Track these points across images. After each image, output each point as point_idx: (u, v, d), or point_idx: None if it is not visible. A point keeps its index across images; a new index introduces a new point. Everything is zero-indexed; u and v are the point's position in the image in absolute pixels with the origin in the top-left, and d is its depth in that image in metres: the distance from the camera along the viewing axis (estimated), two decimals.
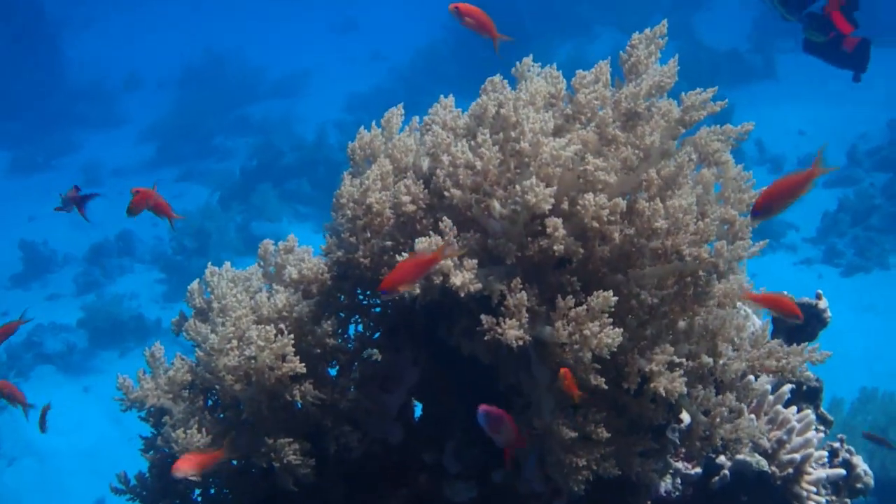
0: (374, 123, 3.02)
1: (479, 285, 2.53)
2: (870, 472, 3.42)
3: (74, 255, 16.06)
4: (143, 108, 22.40)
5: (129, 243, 16.09)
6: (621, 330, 2.48)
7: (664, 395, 2.55)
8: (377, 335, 2.95)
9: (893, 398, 8.06)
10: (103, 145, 21.12)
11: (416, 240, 2.55)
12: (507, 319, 2.51)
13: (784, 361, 2.80)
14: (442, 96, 3.00)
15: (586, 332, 2.46)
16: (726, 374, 2.74)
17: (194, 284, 3.10)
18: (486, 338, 2.53)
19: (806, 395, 3.38)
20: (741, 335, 2.75)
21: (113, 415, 11.45)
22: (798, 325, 3.27)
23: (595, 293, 2.49)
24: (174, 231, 4.16)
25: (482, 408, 2.47)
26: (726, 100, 2.78)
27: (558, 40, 19.28)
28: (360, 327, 2.97)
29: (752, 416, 2.95)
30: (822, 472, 3.11)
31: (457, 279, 2.49)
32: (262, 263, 3.10)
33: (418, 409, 3.11)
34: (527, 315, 2.52)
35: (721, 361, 2.73)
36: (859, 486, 3.37)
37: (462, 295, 2.50)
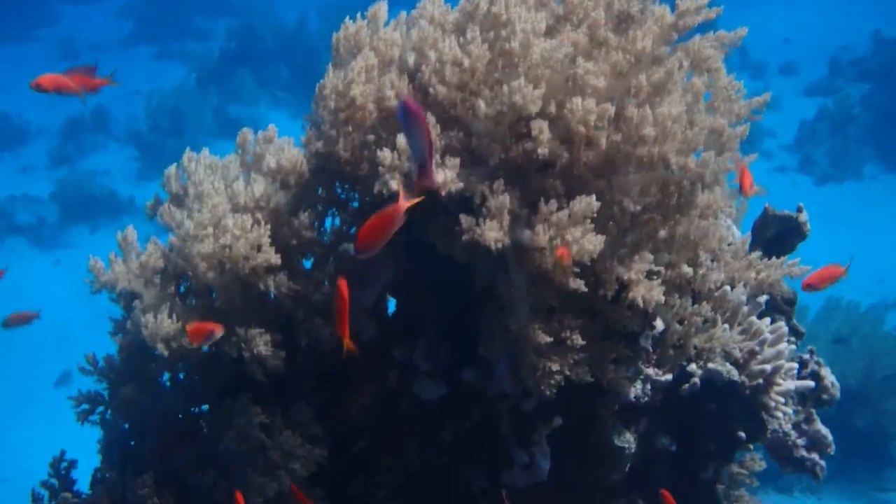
0: (359, 15, 2.94)
1: (461, 185, 2.48)
2: (836, 383, 3.46)
3: (48, 127, 15.87)
4: None
5: (104, 119, 15.92)
6: (603, 237, 2.45)
7: (642, 303, 2.54)
8: (353, 229, 2.91)
9: (858, 307, 8.16)
10: (81, 18, 20.73)
11: (398, 136, 2.50)
12: (487, 221, 2.47)
13: (764, 274, 2.79)
14: None
15: (568, 237, 2.43)
16: (704, 285, 2.73)
17: (171, 169, 3.04)
18: (464, 238, 2.49)
19: (779, 306, 3.39)
20: (722, 246, 2.73)
21: (83, 289, 11.43)
22: (778, 234, 3.27)
23: (578, 198, 2.45)
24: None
25: (401, 100, 2.30)
26: (721, 6, 2.71)
27: None
28: (338, 221, 2.93)
29: (726, 325, 2.95)
30: (791, 384, 3.13)
31: (438, 177, 2.45)
32: (240, 152, 3.04)
33: (392, 306, 3.09)
34: (508, 217, 2.49)
35: (700, 272, 2.72)
36: (825, 397, 3.41)
37: (443, 194, 2.47)
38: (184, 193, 2.95)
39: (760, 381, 3.06)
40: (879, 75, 14.77)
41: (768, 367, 3.05)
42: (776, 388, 3.08)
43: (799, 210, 3.34)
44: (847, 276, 3.17)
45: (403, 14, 3.01)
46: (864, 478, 7.51)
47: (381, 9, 2.95)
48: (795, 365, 3.18)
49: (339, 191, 2.91)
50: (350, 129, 2.72)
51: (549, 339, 2.58)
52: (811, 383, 3.25)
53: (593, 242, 2.43)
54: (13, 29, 20.25)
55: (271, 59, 16.59)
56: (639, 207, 2.56)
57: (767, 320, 3.16)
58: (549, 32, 2.63)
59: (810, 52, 17.03)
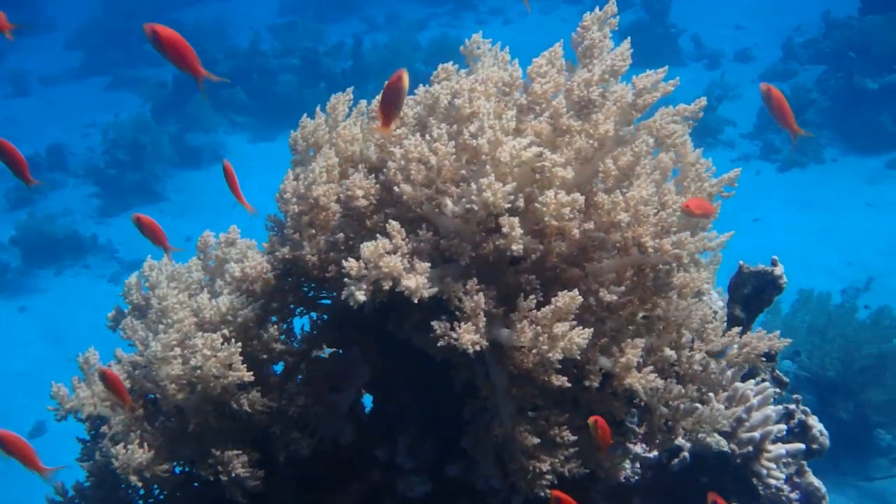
0: (318, 108, 2.86)
1: (435, 289, 2.41)
2: (825, 431, 3.39)
3: (3, 169, 15.63)
4: (68, 12, 21.72)
5: (61, 156, 15.73)
6: (590, 330, 2.39)
7: (641, 392, 2.50)
8: (324, 331, 2.83)
9: (829, 298, 8.14)
10: (29, 51, 20.47)
11: (362, 245, 2.41)
12: (462, 324, 2.40)
13: (747, 349, 2.74)
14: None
15: (556, 331, 2.36)
16: (689, 366, 2.67)
17: (132, 279, 2.94)
18: (439, 344, 2.42)
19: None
20: (704, 325, 2.67)
21: (51, 335, 11.28)
22: (755, 290, 3.22)
23: (560, 294, 2.38)
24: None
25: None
26: (678, 78, 2.65)
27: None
28: (306, 325, 2.85)
29: (711, 394, 2.89)
30: (782, 449, 3.08)
31: (410, 282, 2.36)
32: (202, 256, 2.95)
33: (368, 401, 3.01)
34: (484, 318, 2.41)
35: (684, 353, 2.65)
36: (815, 447, 3.34)
37: (415, 301, 2.38)
38: (146, 305, 2.85)
39: (750, 448, 3.01)
40: (832, 57, 14.79)
41: (757, 434, 3.00)
42: (766, 455, 3.03)
43: (774, 263, 3.29)
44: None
45: (364, 103, 2.93)
46: (851, 469, 7.50)
47: (342, 102, 2.88)
48: (784, 427, 3.13)
49: (307, 290, 2.83)
50: (314, 231, 2.64)
51: (536, 441, 2.52)
52: (801, 446, 3.19)
53: (582, 336, 2.37)
54: None
55: (226, 82, 16.43)
56: (615, 297, 2.50)
57: (752, 383, 3.10)
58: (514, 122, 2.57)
59: (763, 36, 17.07)
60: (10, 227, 13.23)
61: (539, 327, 2.40)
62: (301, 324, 2.87)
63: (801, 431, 3.30)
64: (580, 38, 2.73)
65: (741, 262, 3.27)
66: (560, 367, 2.43)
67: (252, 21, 19.54)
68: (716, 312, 2.89)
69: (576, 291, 2.39)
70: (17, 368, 10.45)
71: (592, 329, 2.42)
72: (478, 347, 2.39)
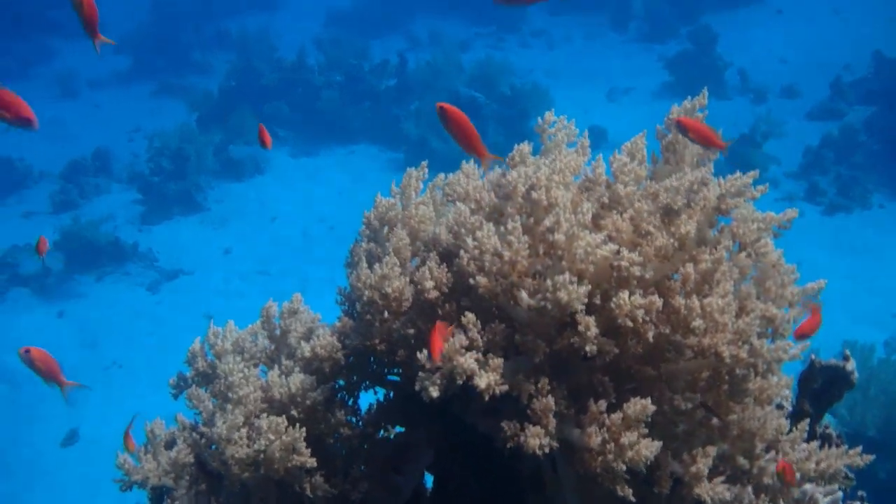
0: (393, 184, 2.87)
1: (506, 387, 2.39)
2: None
3: (50, 171, 15.83)
4: (118, 16, 21.89)
5: (106, 161, 15.87)
6: (660, 443, 2.36)
7: (709, 501, 2.45)
8: (390, 411, 2.83)
9: (872, 351, 7.98)
10: (78, 54, 20.65)
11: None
12: (531, 426, 2.38)
13: (824, 465, 2.69)
14: (464, 163, 2.81)
15: (623, 441, 2.33)
16: (762, 477, 2.63)
17: (195, 345, 2.95)
18: (508, 445, 2.41)
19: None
20: (780, 436, 2.64)
21: (88, 340, 11.35)
22: (825, 385, 3.18)
23: (632, 400, 2.36)
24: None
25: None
26: (767, 185, 2.63)
27: None
28: (372, 397, 2.85)
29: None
30: None
31: (482, 381, 2.35)
32: (265, 326, 2.96)
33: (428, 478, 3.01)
34: (554, 421, 2.39)
35: (758, 463, 2.61)
36: None
37: (486, 399, 2.38)
38: (212, 373, 2.86)
39: None
40: (882, 97, 14.66)
41: None
42: None
43: (846, 358, 3.25)
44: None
45: (440, 177, 2.93)
46: None
47: (414, 179, 2.88)
48: None
49: (375, 366, 2.83)
50: (386, 315, 2.64)
51: None
52: None
53: (650, 448, 2.34)
54: (10, 67, 20.20)
55: (271, 95, 16.52)
56: (690, 405, 2.47)
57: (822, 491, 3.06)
58: (595, 218, 2.55)
59: (810, 73, 16.96)
60: (53, 230, 13.33)
61: (608, 433, 2.38)
62: (367, 397, 2.88)
63: None
64: (664, 132, 2.71)
65: (812, 357, 3.24)
66: (629, 478, 2.39)
67: (298, 32, 19.63)
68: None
69: (648, 400, 2.36)
70: None
71: (662, 441, 2.39)
72: (546, 450, 2.37)
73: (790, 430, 2.73)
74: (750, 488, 2.65)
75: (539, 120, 2.86)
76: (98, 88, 19.66)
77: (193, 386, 2.86)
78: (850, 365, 3.22)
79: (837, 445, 3.28)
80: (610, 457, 2.35)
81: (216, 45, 20.45)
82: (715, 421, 2.55)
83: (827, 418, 7.43)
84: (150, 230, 14.01)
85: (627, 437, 2.34)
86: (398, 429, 2.90)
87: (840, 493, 3.03)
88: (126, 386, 10.34)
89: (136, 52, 20.22)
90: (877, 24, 17.47)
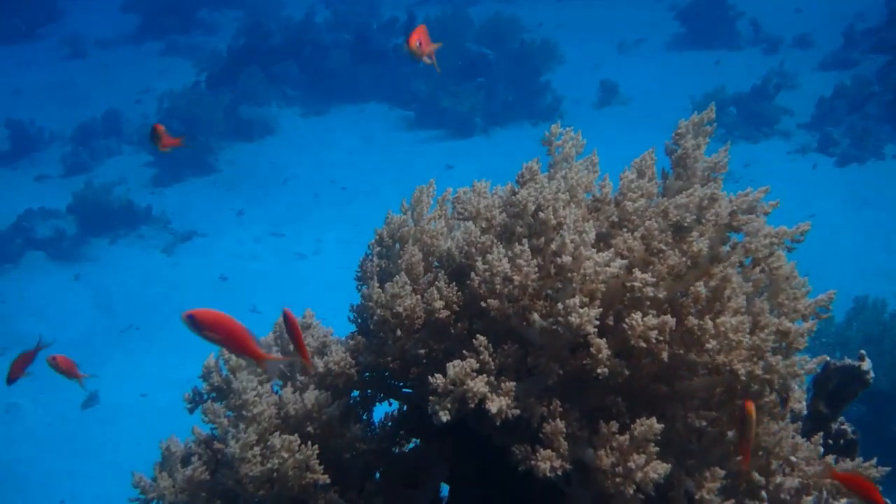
0: (403, 201, 2.87)
1: (518, 411, 2.41)
2: None
3: (61, 133, 15.84)
4: None
5: (116, 122, 15.86)
6: (669, 465, 2.36)
7: None
8: (404, 425, 2.86)
9: (885, 306, 7.99)
10: (85, 13, 20.58)
11: (448, 364, 2.42)
12: (542, 449, 2.39)
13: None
14: (475, 181, 2.82)
15: (630, 464, 2.34)
16: (778, 494, 2.63)
17: (210, 361, 2.96)
18: (520, 468, 2.43)
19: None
20: (796, 453, 2.64)
21: (104, 303, 11.41)
22: (839, 385, 3.18)
23: (638, 421, 2.37)
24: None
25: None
26: (778, 200, 2.62)
27: None
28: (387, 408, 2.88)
29: None
30: None
31: (493, 405, 2.37)
32: (278, 340, 2.98)
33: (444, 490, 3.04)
34: (565, 443, 2.41)
35: (775, 480, 2.62)
36: None
37: (498, 423, 2.40)
38: (226, 388, 2.88)
39: None
40: (895, 46, 14.51)
41: None
42: None
43: (861, 358, 3.24)
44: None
45: (449, 191, 2.94)
46: None
47: (425, 194, 2.88)
48: None
49: (389, 380, 2.85)
50: (399, 334, 2.66)
51: None
52: None
53: (658, 470, 2.34)
54: (17, 28, 20.12)
55: (280, 55, 16.44)
56: (704, 423, 2.49)
57: None
58: (604, 238, 2.56)
59: (824, 22, 16.80)
60: (66, 193, 13.36)
61: (616, 455, 2.38)
62: (381, 407, 2.91)
63: None
64: (673, 147, 2.70)
65: (827, 359, 3.22)
66: (643, 497, 2.39)
67: None
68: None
69: (654, 420, 2.36)
70: (69, 337, 10.54)
71: (676, 458, 2.41)
72: (558, 472, 2.38)
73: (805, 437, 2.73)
74: None
75: (546, 133, 2.85)
76: (106, 48, 19.58)
77: (209, 401, 2.88)
78: (866, 364, 3.21)
79: (852, 449, 3.30)
80: (618, 479, 2.36)
81: (223, 2, 20.32)
82: (730, 437, 2.56)
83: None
84: (163, 192, 14.03)
85: (635, 460, 2.34)
86: (414, 440, 2.92)
87: None
88: (143, 348, 10.43)
89: (144, 12, 20.09)
90: None
